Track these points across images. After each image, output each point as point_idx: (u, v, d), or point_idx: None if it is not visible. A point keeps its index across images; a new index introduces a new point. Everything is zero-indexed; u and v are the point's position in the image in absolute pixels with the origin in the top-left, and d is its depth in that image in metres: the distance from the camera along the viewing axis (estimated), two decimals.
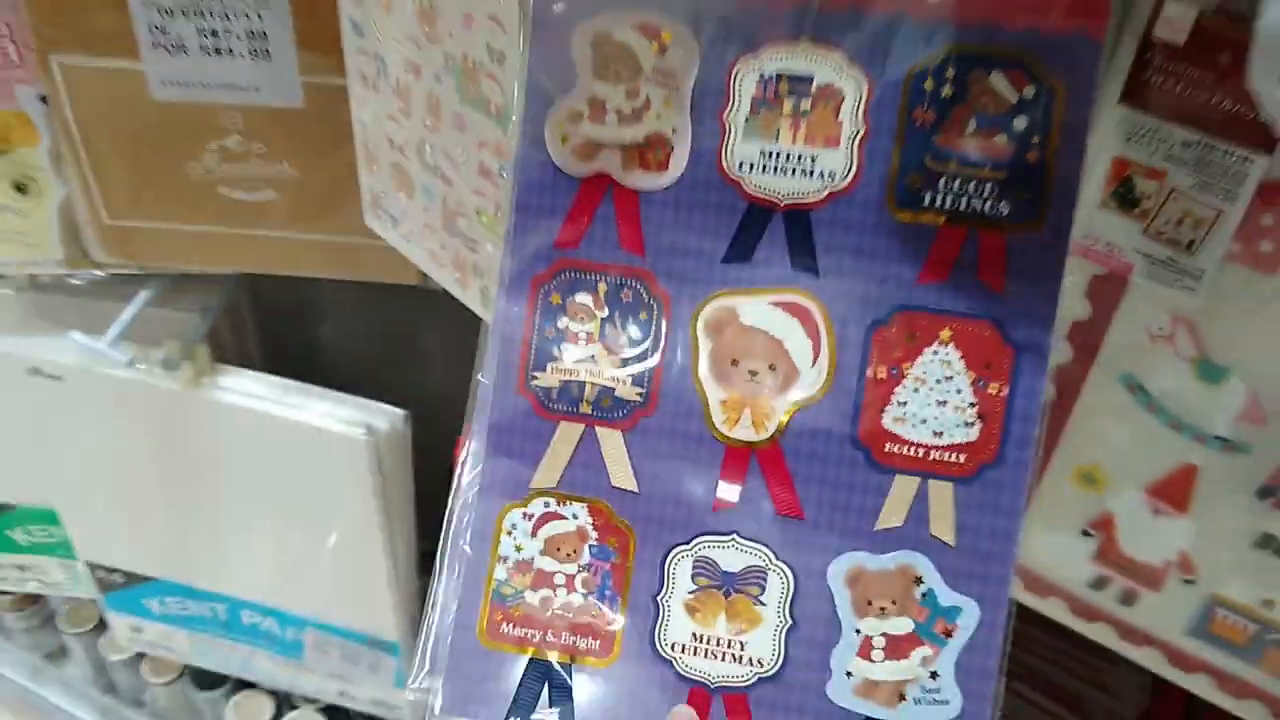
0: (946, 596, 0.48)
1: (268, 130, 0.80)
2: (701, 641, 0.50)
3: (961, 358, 0.48)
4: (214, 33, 0.76)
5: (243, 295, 1.06)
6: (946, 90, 0.48)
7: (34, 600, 1.40)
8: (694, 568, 0.50)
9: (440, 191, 0.66)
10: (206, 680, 1.28)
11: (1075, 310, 0.54)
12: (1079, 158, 0.47)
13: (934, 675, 0.48)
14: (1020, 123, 0.47)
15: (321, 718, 1.24)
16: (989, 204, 0.48)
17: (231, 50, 0.76)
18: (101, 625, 1.31)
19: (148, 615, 1.19)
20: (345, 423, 0.90)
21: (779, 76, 0.49)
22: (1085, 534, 0.60)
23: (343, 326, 1.19)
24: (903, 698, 0.48)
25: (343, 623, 1.08)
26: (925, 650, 0.48)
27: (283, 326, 1.15)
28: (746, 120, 0.49)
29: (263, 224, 0.85)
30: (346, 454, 0.90)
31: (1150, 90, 0.47)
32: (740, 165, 0.50)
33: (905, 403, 0.48)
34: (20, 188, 0.88)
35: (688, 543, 0.50)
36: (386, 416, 0.91)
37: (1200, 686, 0.61)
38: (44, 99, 0.83)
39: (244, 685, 1.26)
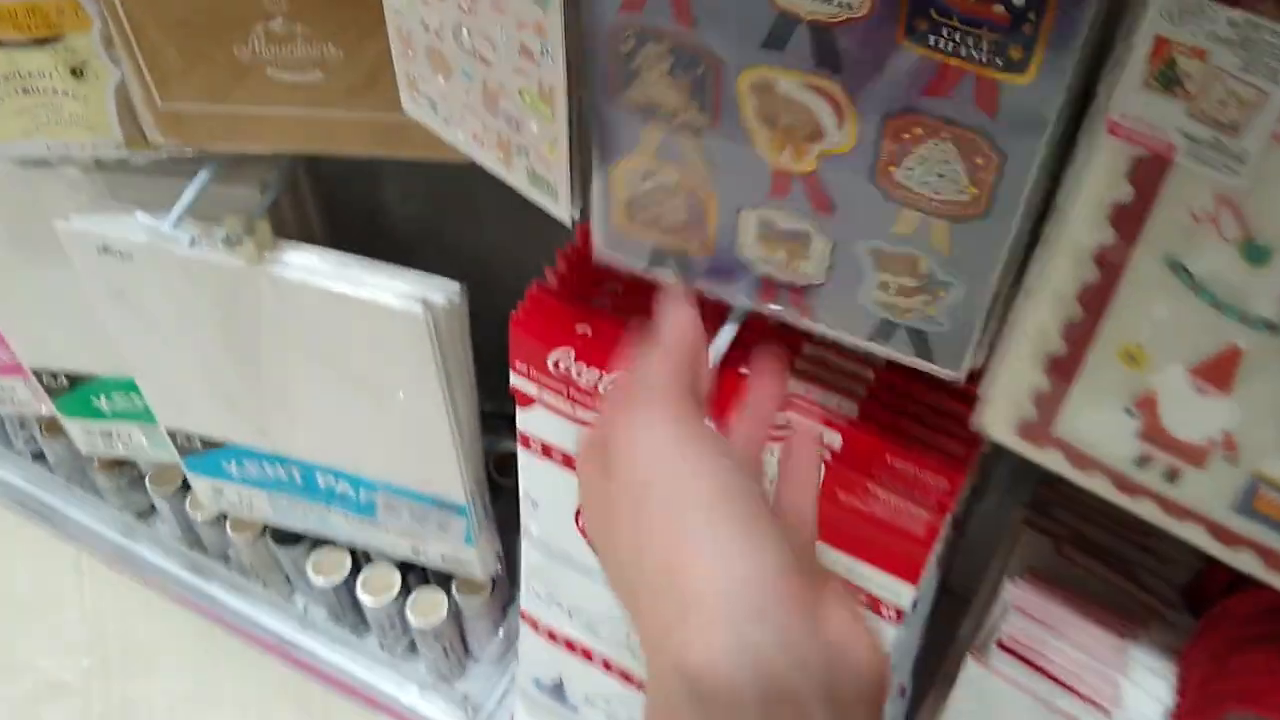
0: (942, 274, 0.59)
1: (311, 11, 0.78)
2: (770, 261, 0.63)
3: (958, 152, 0.53)
4: None
5: (301, 170, 1.03)
6: None
7: (123, 463, 1.45)
8: (757, 225, 0.62)
9: (480, 73, 0.65)
10: (288, 537, 1.30)
11: (1116, 192, 0.51)
12: (1073, 26, 0.48)
13: (932, 312, 0.61)
14: None
15: (396, 571, 1.26)
16: (985, 55, 0.50)
17: None
18: (187, 486, 1.34)
19: (227, 477, 1.22)
20: (402, 297, 0.90)
21: None
22: (1128, 412, 0.58)
23: (401, 194, 1.18)
24: (909, 314, 0.61)
25: (412, 485, 1.11)
26: (926, 297, 0.60)
27: (343, 196, 1.13)
28: None
29: (311, 104, 0.83)
30: (404, 327, 0.90)
31: None
32: None
33: (911, 169, 0.55)
34: (76, 72, 0.86)
35: (753, 207, 0.61)
36: (442, 289, 0.90)
37: (1244, 561, 0.59)
38: None
39: (323, 541, 1.28)
